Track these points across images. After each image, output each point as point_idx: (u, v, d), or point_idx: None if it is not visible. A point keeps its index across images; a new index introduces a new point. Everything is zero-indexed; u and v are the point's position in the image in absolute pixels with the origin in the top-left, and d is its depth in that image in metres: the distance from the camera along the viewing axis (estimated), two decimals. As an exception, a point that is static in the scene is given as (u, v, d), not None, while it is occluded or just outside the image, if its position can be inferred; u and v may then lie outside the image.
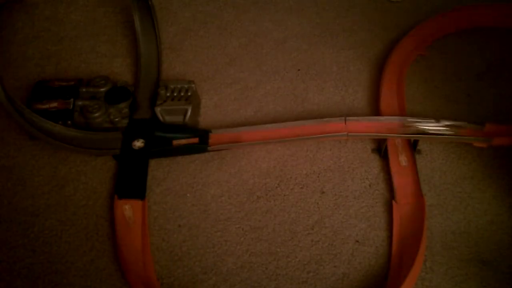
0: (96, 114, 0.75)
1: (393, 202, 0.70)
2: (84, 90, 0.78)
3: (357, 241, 0.68)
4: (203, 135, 0.75)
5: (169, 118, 0.75)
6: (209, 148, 0.74)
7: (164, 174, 0.74)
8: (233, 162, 0.75)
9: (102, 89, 0.78)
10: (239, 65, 0.86)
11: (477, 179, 0.72)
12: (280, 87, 0.83)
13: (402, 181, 0.71)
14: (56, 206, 0.72)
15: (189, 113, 0.75)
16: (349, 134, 0.73)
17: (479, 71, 0.83)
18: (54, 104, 0.77)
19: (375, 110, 0.79)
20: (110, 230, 0.69)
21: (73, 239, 0.69)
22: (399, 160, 0.73)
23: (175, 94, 0.76)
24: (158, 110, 0.75)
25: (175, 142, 0.74)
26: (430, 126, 0.72)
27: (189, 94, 0.76)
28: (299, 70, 0.85)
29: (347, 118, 0.74)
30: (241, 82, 0.84)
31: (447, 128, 0.72)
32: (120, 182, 0.73)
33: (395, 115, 0.76)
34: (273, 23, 0.91)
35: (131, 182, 0.73)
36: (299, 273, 0.66)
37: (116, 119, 0.75)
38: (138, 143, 0.74)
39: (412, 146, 0.74)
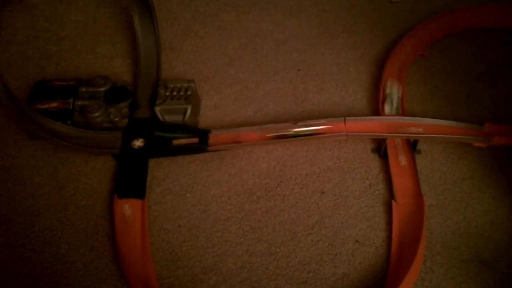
0: (96, 114, 0.75)
1: (393, 202, 0.70)
2: (83, 90, 0.78)
3: (357, 241, 0.68)
4: (203, 135, 0.75)
5: (168, 118, 0.75)
6: (209, 148, 0.74)
7: (164, 174, 0.74)
8: (233, 162, 0.75)
9: (102, 89, 0.78)
10: (239, 66, 0.86)
11: (477, 179, 0.72)
12: (280, 87, 0.83)
13: (401, 181, 0.71)
14: (56, 206, 0.72)
15: (188, 112, 0.75)
16: (349, 134, 0.73)
17: (479, 71, 0.83)
18: (54, 104, 0.77)
19: (375, 110, 0.79)
20: (110, 230, 0.69)
21: (73, 239, 0.69)
22: (399, 160, 0.73)
23: (174, 94, 0.76)
24: (157, 109, 0.75)
25: (175, 142, 0.74)
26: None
27: (188, 93, 0.76)
28: (299, 70, 0.85)
29: (347, 118, 0.74)
30: (241, 83, 0.84)
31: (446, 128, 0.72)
32: (120, 182, 0.73)
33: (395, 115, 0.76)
34: (273, 23, 0.91)
35: (130, 181, 0.73)
36: (299, 273, 0.66)
37: (116, 119, 0.75)
38: (138, 143, 0.74)
39: (412, 146, 0.74)
